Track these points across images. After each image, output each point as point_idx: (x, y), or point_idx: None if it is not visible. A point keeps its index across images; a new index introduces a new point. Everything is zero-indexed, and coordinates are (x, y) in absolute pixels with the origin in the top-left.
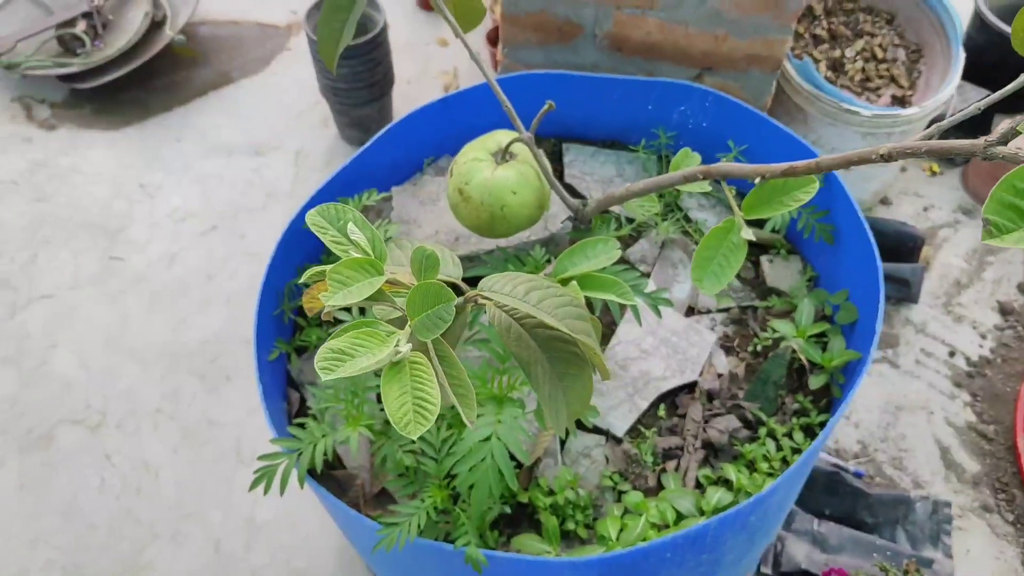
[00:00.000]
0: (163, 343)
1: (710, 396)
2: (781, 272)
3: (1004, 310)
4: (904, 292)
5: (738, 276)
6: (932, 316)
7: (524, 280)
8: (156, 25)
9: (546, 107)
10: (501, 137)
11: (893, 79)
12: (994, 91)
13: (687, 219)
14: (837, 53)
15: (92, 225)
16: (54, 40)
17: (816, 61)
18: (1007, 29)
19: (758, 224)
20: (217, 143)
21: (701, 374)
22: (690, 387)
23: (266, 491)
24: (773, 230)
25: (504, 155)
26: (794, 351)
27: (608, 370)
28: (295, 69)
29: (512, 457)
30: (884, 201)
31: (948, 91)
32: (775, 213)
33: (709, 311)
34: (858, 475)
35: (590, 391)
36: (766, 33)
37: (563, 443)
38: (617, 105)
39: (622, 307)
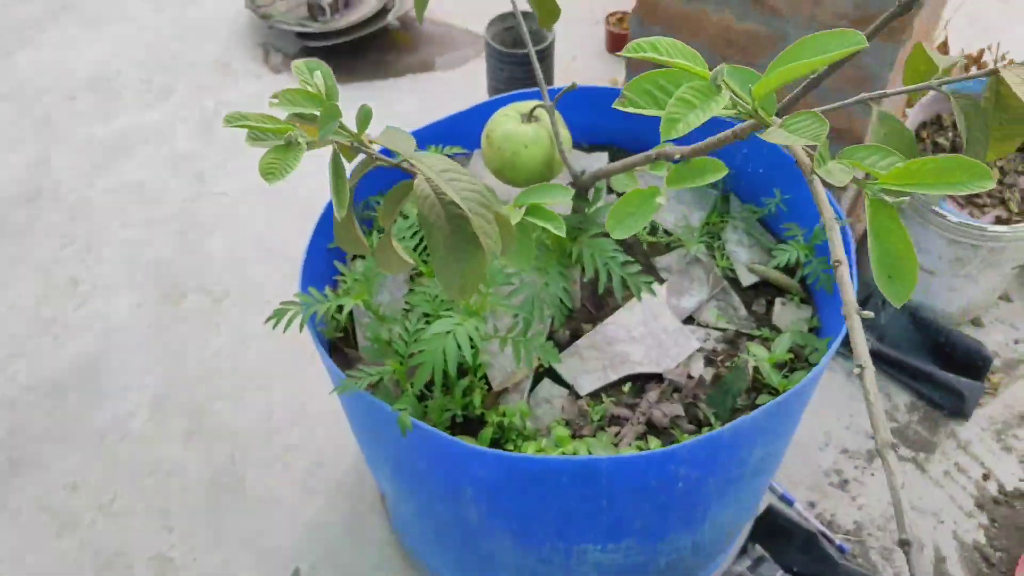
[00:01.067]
0: (293, 252)
1: (675, 389)
2: (789, 314)
3: None
4: (956, 405)
5: (750, 310)
6: (980, 438)
7: (449, 164)
8: (384, 11)
9: (569, 85)
10: (539, 107)
11: (1003, 201)
12: None
13: (723, 248)
14: None
15: None
16: (305, 6)
17: None
18: None
19: (788, 272)
20: (397, 115)
21: (675, 369)
22: (661, 378)
23: (274, 326)
24: (797, 278)
25: (529, 117)
26: (758, 371)
27: (498, 247)
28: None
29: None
30: (975, 322)
31: None
32: (693, 184)
33: (707, 326)
34: (842, 549)
35: (482, 271)
36: (848, 108)
37: (534, 387)
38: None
39: (626, 292)
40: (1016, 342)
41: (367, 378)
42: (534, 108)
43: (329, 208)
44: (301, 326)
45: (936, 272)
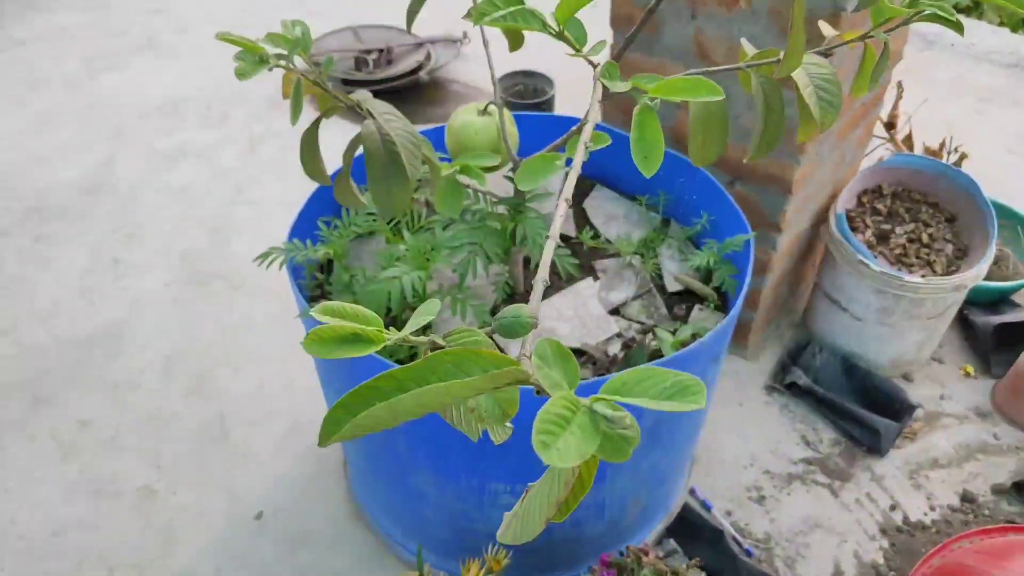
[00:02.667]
0: None
1: (593, 362)
2: (704, 318)
3: (967, 498)
4: (874, 442)
5: (671, 312)
6: (894, 474)
7: (390, 109)
8: (418, 68)
9: (518, 87)
10: (491, 104)
11: (929, 264)
12: None
13: (655, 259)
14: (887, 227)
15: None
16: (353, 59)
17: (866, 227)
18: None
19: (701, 279)
20: None
21: (594, 346)
22: (582, 353)
23: (259, 264)
24: (713, 287)
25: (483, 112)
26: (658, 350)
27: (417, 173)
28: None
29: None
30: (906, 376)
31: (957, 279)
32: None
33: (630, 319)
34: (748, 552)
35: (408, 193)
36: (779, 157)
37: None
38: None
39: (568, 276)
40: (941, 398)
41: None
42: (487, 105)
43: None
44: (281, 265)
45: (864, 320)
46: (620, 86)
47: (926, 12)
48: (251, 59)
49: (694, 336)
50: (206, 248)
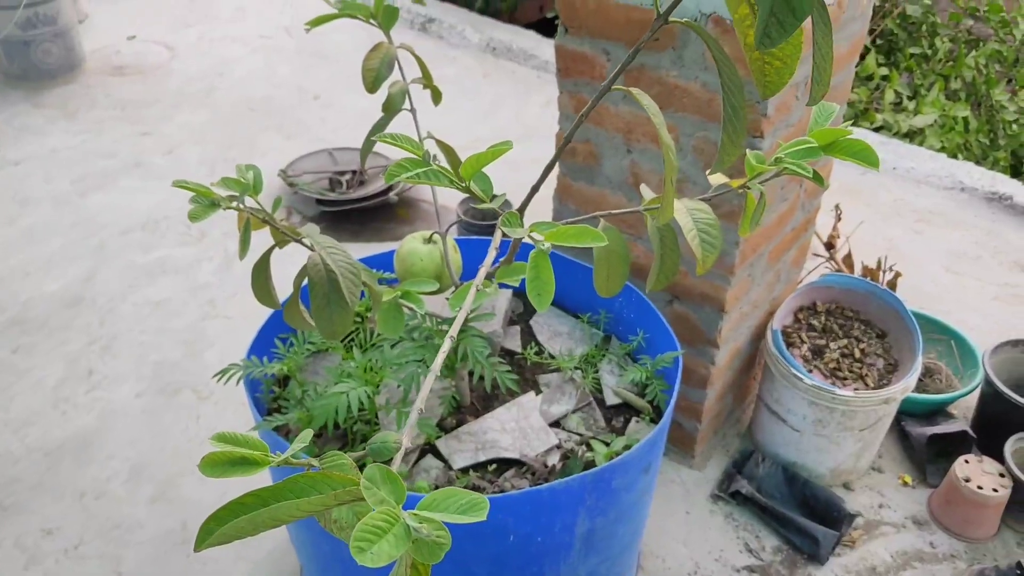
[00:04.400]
0: None
1: (532, 473)
2: (640, 430)
3: None
4: (813, 549)
5: (609, 424)
6: None
7: (333, 243)
8: (389, 189)
9: (451, 224)
10: (435, 234)
11: (862, 377)
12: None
13: (596, 373)
14: (822, 342)
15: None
16: (326, 179)
17: (802, 342)
18: (1004, 389)
19: (638, 393)
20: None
21: (534, 457)
22: (522, 464)
23: (217, 381)
24: (648, 401)
25: (428, 240)
26: (592, 461)
27: (356, 302)
28: None
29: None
30: (846, 486)
31: (885, 393)
32: (510, 279)
33: (569, 431)
34: None
35: (348, 320)
36: (712, 279)
37: (420, 459)
38: (582, 285)
39: (509, 393)
40: (880, 506)
41: (275, 421)
42: (432, 234)
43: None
44: (238, 381)
45: (802, 432)
46: (519, 233)
47: (787, 167)
48: (204, 203)
49: (626, 447)
50: (178, 360)
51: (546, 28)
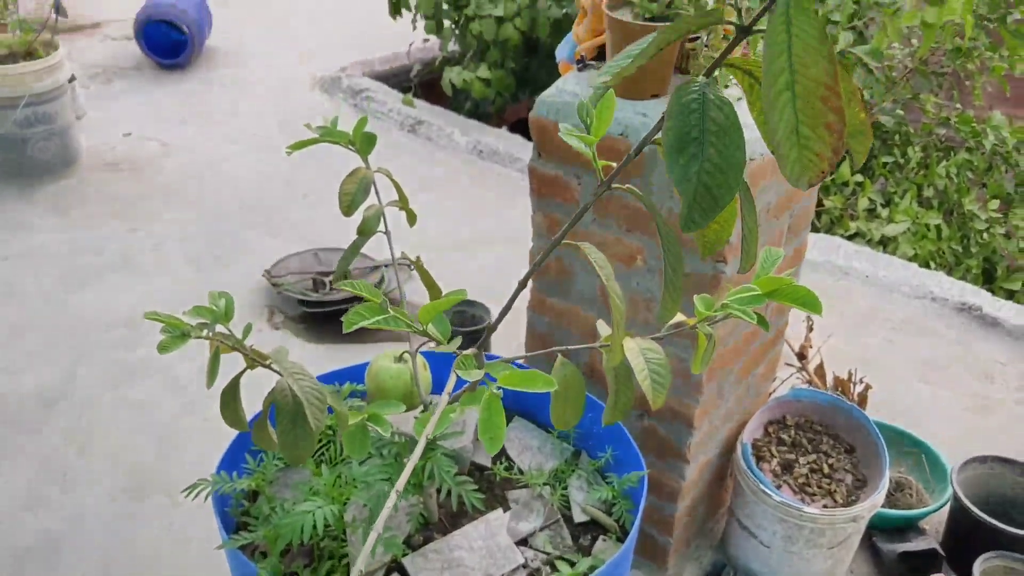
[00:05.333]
0: None
1: None
2: (606, 549)
3: None
4: None
5: (576, 543)
6: None
7: (301, 370)
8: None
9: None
10: (406, 353)
11: (830, 493)
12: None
13: (565, 490)
14: (791, 457)
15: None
16: (310, 279)
17: (771, 456)
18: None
19: (605, 511)
20: None
21: None
22: None
23: (186, 496)
24: (615, 519)
25: (399, 359)
26: None
27: (321, 426)
28: None
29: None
30: None
31: (853, 511)
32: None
33: (536, 549)
34: None
35: (311, 444)
36: (679, 395)
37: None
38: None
39: (476, 511)
40: None
41: (242, 540)
42: (402, 353)
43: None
44: (206, 497)
45: (772, 547)
46: (475, 375)
47: (733, 312)
48: (174, 333)
49: (592, 568)
50: (152, 462)
51: None
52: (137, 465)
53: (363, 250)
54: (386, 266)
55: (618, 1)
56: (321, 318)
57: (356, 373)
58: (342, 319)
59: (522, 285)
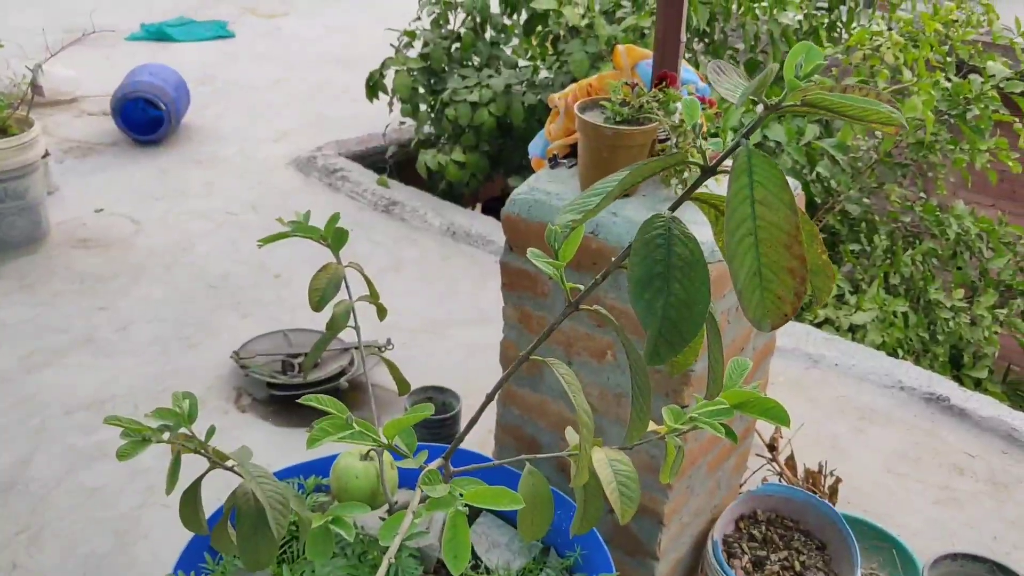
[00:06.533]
0: None
1: None
2: None
3: None
4: None
5: None
6: None
7: (264, 472)
8: (341, 374)
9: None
10: (372, 451)
11: None
12: None
13: None
14: (763, 553)
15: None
16: (279, 361)
17: (743, 553)
18: None
19: None
20: None
21: None
22: None
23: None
24: None
25: (365, 456)
26: None
27: (283, 532)
28: None
29: None
30: None
31: None
32: (441, 509)
33: None
34: None
35: (273, 550)
36: (649, 491)
37: None
38: None
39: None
40: None
41: None
42: (369, 450)
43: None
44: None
45: None
46: (440, 491)
47: (701, 425)
48: (135, 438)
49: None
50: (108, 552)
51: None
52: (91, 557)
53: None
54: (356, 348)
55: (589, 102)
56: (289, 401)
57: (321, 466)
58: (306, 433)
59: (489, 399)
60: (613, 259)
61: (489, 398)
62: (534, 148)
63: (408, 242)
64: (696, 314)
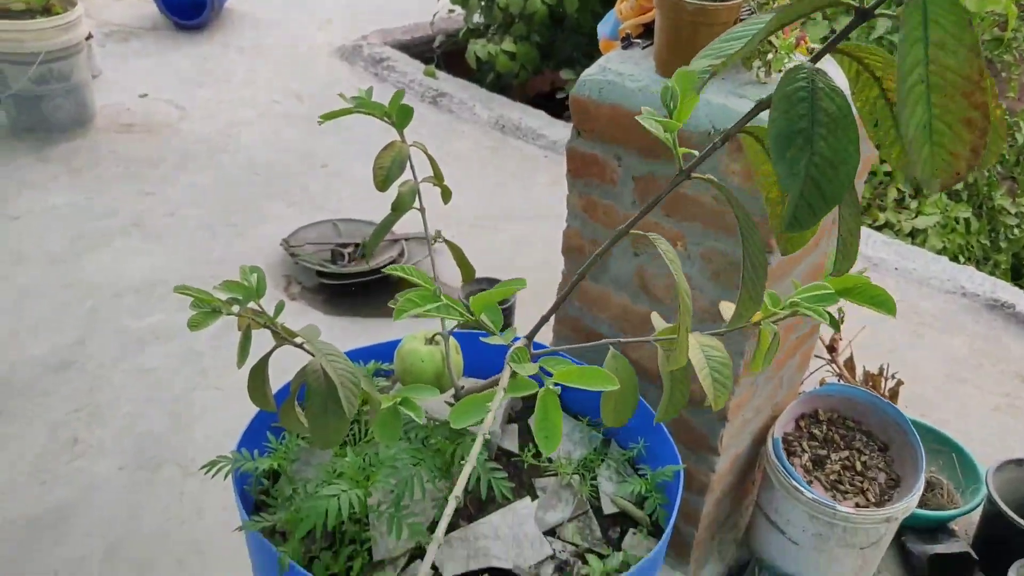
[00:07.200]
0: None
1: None
2: (636, 543)
3: None
4: None
5: (605, 535)
6: None
7: (334, 351)
8: (391, 264)
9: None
10: (438, 335)
11: (863, 491)
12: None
13: (594, 479)
14: (823, 452)
15: None
16: (329, 251)
17: (803, 451)
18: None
19: (636, 503)
20: None
21: (527, 569)
22: (514, 574)
23: (206, 473)
24: (646, 512)
25: (431, 340)
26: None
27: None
28: None
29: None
30: None
31: (887, 512)
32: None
33: (564, 540)
34: None
35: (343, 428)
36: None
37: (407, 566)
38: None
39: (492, 496)
40: None
41: (263, 523)
42: (435, 335)
43: (279, 393)
44: (226, 475)
45: (801, 544)
46: (528, 369)
47: (802, 311)
48: (205, 309)
49: (624, 564)
50: (164, 432)
51: (555, 106)
52: (148, 435)
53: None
54: (406, 240)
55: None
56: (339, 290)
57: (381, 352)
58: (391, 304)
59: (564, 296)
60: (691, 145)
61: (564, 295)
62: (603, 28)
63: (456, 135)
64: (842, 175)
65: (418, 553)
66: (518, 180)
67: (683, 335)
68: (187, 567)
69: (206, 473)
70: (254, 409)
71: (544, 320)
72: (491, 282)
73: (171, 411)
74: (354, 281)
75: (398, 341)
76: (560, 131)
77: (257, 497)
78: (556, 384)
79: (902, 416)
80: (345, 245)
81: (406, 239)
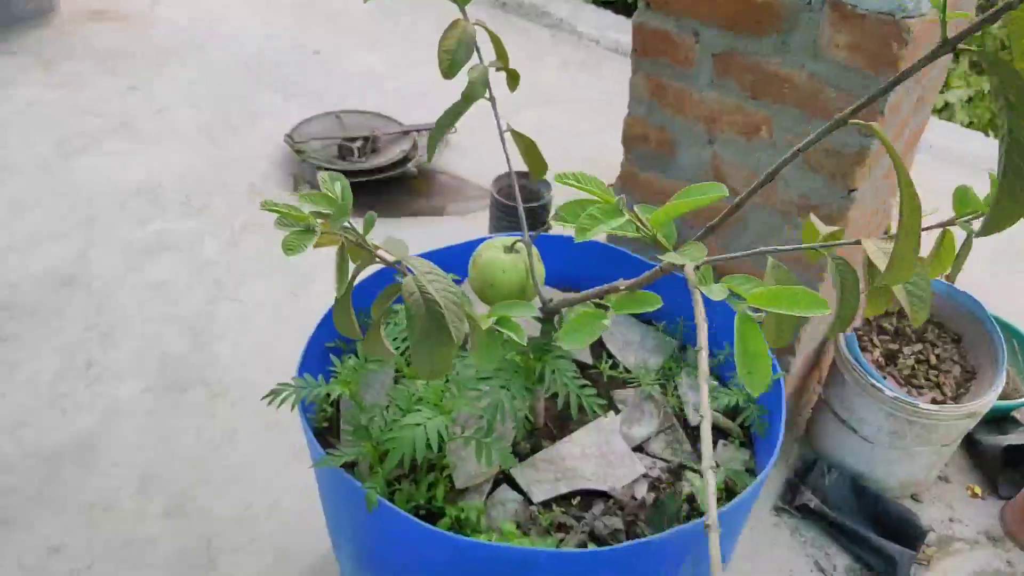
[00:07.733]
0: (292, 362)
1: (619, 507)
2: (729, 455)
3: None
4: (889, 570)
5: (694, 447)
6: None
7: (432, 268)
8: (405, 159)
9: (544, 227)
10: (519, 242)
11: (938, 386)
12: None
13: (676, 390)
14: (895, 347)
15: (281, 267)
16: (335, 146)
17: (873, 347)
18: None
19: (732, 417)
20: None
21: (620, 490)
22: (607, 496)
23: (269, 403)
24: (739, 423)
25: (511, 249)
26: (695, 500)
27: (462, 336)
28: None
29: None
30: (915, 497)
31: (969, 407)
32: (634, 311)
33: (654, 456)
34: None
35: (449, 357)
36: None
37: (493, 490)
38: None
39: (583, 416)
40: (951, 520)
41: (343, 457)
42: (515, 242)
43: (331, 311)
44: (293, 405)
45: (876, 443)
46: (718, 293)
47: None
48: (297, 227)
49: (725, 479)
50: (186, 351)
51: None
52: (168, 355)
53: (390, 113)
54: (417, 131)
55: None
56: (352, 189)
57: (439, 259)
58: (575, 226)
59: (752, 191)
60: (782, 15)
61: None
62: None
63: (452, 14)
64: None
65: (502, 478)
66: (524, 64)
67: (905, 242)
68: (227, 494)
69: (269, 403)
70: (280, 325)
71: (709, 230)
72: (523, 175)
73: (190, 327)
74: (366, 179)
75: (457, 247)
76: (565, 7)
77: (319, 424)
78: (751, 308)
79: (977, 303)
80: (353, 139)
81: (417, 130)
